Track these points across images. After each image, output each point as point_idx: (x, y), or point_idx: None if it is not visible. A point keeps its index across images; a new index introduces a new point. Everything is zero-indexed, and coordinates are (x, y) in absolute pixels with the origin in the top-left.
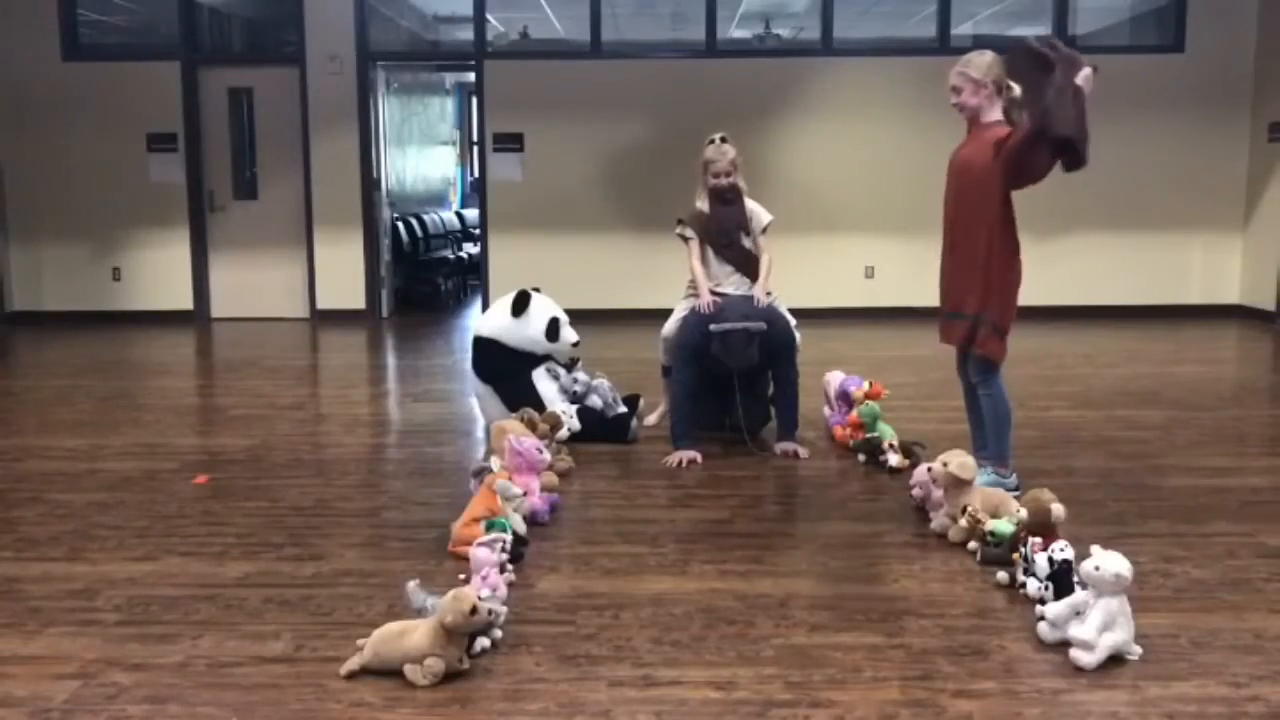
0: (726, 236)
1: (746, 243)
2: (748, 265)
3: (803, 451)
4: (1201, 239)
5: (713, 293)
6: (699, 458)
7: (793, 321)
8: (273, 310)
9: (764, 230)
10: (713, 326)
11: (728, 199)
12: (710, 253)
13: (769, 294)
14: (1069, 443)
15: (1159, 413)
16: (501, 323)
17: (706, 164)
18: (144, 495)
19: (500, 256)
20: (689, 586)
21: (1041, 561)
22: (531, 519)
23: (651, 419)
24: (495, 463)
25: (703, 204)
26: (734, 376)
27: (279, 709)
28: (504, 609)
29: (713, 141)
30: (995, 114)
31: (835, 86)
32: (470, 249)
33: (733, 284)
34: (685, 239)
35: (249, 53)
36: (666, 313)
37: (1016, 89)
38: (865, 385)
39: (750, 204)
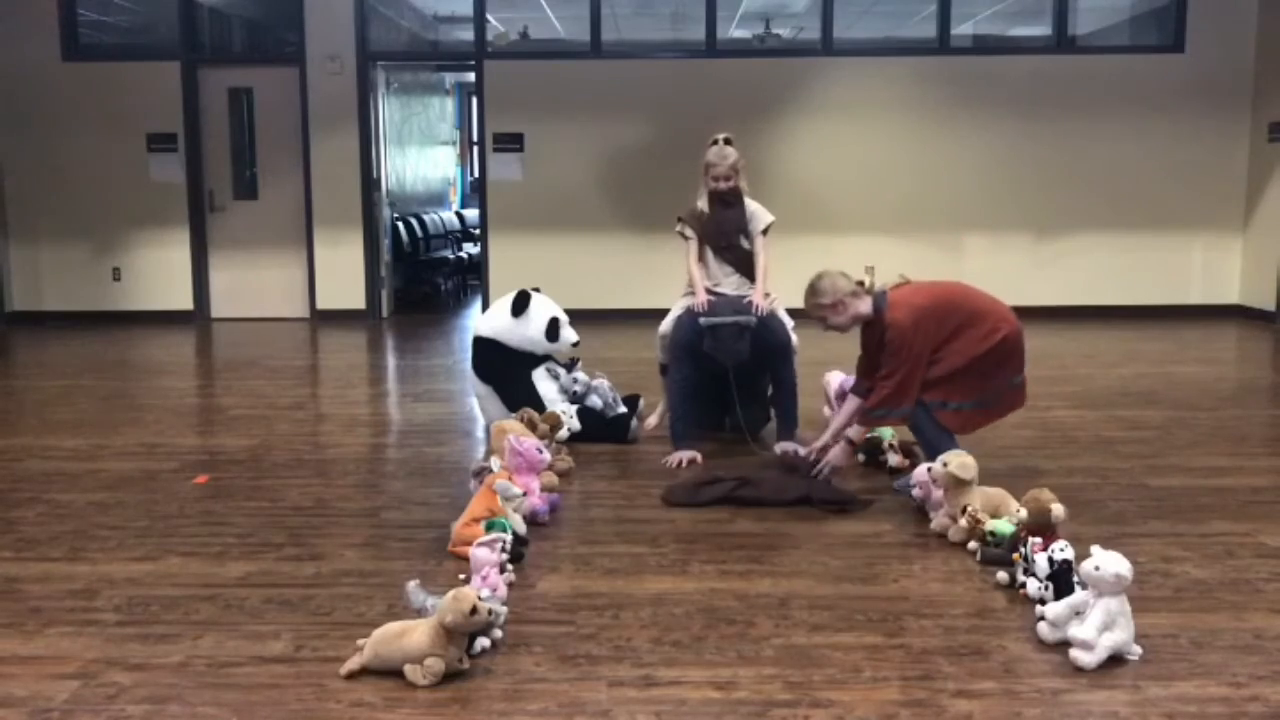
0: (725, 239)
1: (745, 244)
2: (746, 267)
3: (802, 451)
4: (1201, 239)
5: (709, 292)
6: (699, 457)
7: (789, 323)
8: (273, 310)
9: (764, 231)
10: (702, 320)
11: (728, 201)
12: (709, 253)
13: (768, 296)
14: (1069, 443)
15: (1159, 413)
16: (501, 323)
17: (708, 166)
18: (144, 495)
19: (500, 256)
20: (689, 586)
21: (1041, 561)
22: (531, 519)
23: (652, 420)
24: (495, 463)
25: (703, 203)
26: (730, 375)
27: (279, 709)
28: (504, 609)
29: (715, 142)
30: (867, 307)
31: (835, 86)
32: (470, 249)
33: (731, 285)
34: (685, 237)
35: (249, 53)
36: (666, 313)
37: (868, 278)
38: None
39: (751, 205)
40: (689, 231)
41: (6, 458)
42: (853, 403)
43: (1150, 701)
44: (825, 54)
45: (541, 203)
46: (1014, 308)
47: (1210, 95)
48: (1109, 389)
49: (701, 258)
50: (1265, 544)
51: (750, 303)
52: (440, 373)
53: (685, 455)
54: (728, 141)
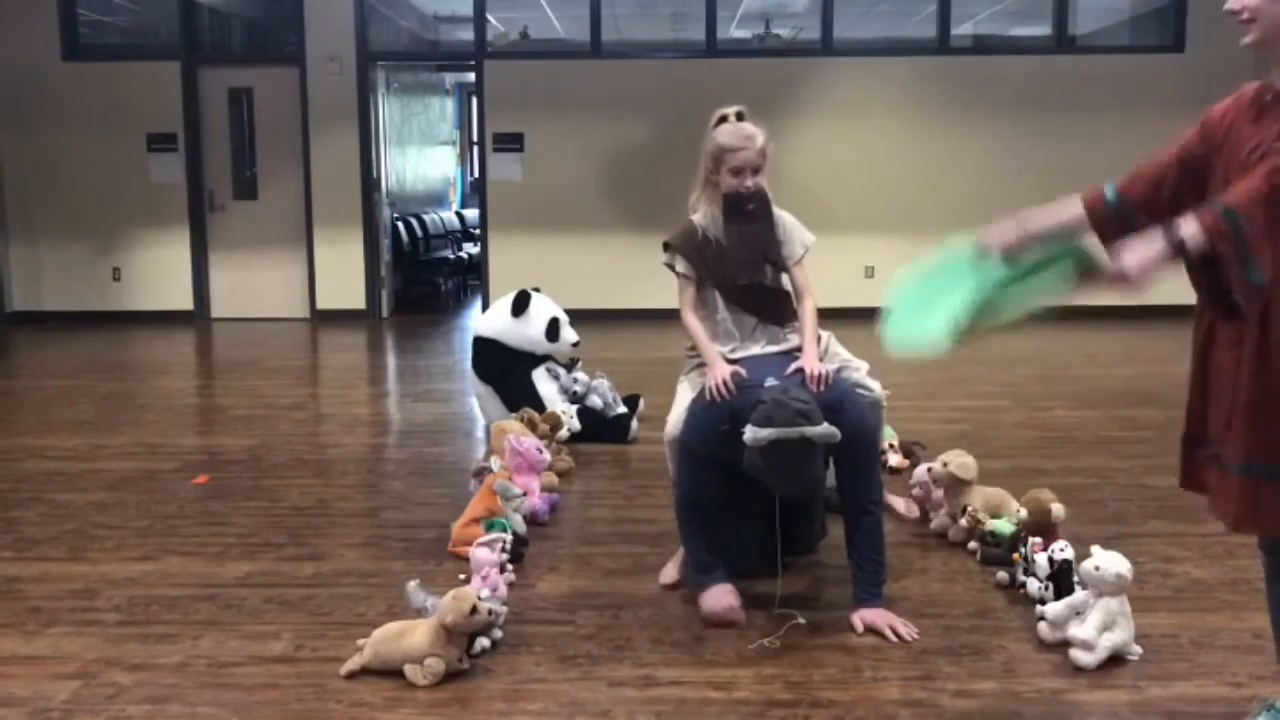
0: (746, 271)
1: (771, 280)
2: (775, 312)
3: (905, 631)
4: None
5: (729, 360)
6: (736, 602)
7: (875, 390)
8: (273, 310)
9: (799, 261)
10: (749, 436)
11: (750, 212)
12: (717, 297)
13: (824, 355)
14: (1069, 443)
15: (1159, 413)
16: (501, 323)
17: (722, 154)
18: (144, 495)
19: (500, 256)
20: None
21: (1041, 561)
22: (531, 519)
23: (670, 571)
24: (495, 463)
25: (704, 216)
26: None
27: (279, 709)
28: (504, 609)
29: (725, 119)
30: None
31: (835, 86)
32: (470, 249)
33: (759, 343)
34: (677, 274)
35: (249, 53)
36: (667, 313)
37: None
38: None
39: (783, 217)
40: (680, 266)
41: (6, 458)
42: (1071, 204)
43: (1150, 701)
44: (825, 54)
45: (541, 203)
46: None
47: (1210, 95)
48: (1109, 389)
49: (703, 302)
50: None
51: (802, 374)
52: (440, 373)
53: (720, 599)
54: (740, 117)
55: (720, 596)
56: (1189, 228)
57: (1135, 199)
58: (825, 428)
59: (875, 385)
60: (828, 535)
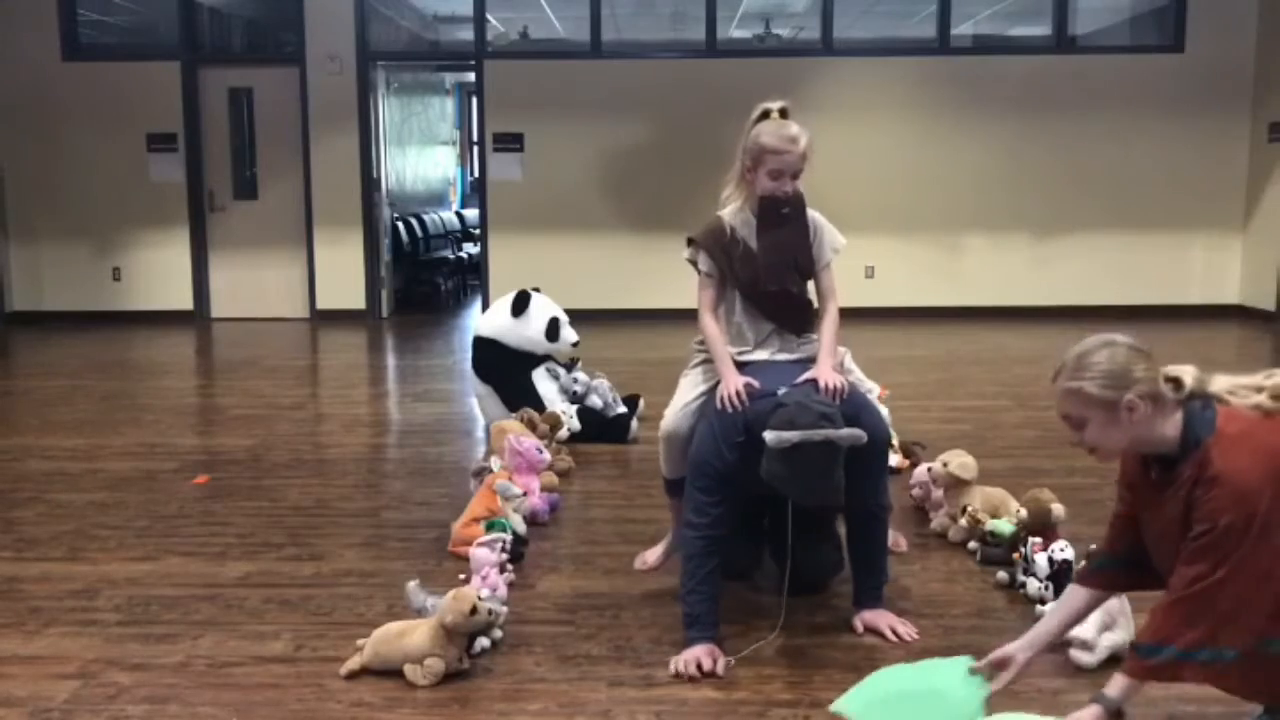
0: (775, 277)
1: (799, 288)
2: (795, 321)
3: (905, 631)
4: (1201, 239)
5: (740, 365)
6: (718, 658)
7: (883, 412)
8: (273, 310)
9: (827, 265)
10: (770, 438)
11: (784, 214)
12: (737, 298)
13: (842, 363)
14: (1069, 443)
15: None
16: (501, 323)
17: (762, 154)
18: (144, 495)
19: (500, 256)
20: None
21: (1041, 561)
22: (531, 519)
23: (655, 554)
24: (495, 463)
25: (733, 214)
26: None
27: (279, 709)
28: (504, 609)
29: (768, 114)
30: (1174, 428)
31: (835, 86)
32: (470, 249)
33: (771, 349)
34: (699, 271)
35: (249, 53)
36: (667, 313)
37: (1186, 377)
38: None
39: (816, 220)
40: (704, 263)
41: (6, 458)
42: (1078, 597)
43: (1150, 701)
44: (825, 54)
45: (541, 203)
46: (1014, 308)
47: (1210, 95)
48: None
49: (723, 306)
50: None
51: (816, 383)
52: (440, 373)
53: (700, 656)
54: (784, 113)
55: (698, 653)
56: (1115, 686)
57: (1121, 549)
58: (850, 430)
59: (883, 410)
60: (844, 569)
